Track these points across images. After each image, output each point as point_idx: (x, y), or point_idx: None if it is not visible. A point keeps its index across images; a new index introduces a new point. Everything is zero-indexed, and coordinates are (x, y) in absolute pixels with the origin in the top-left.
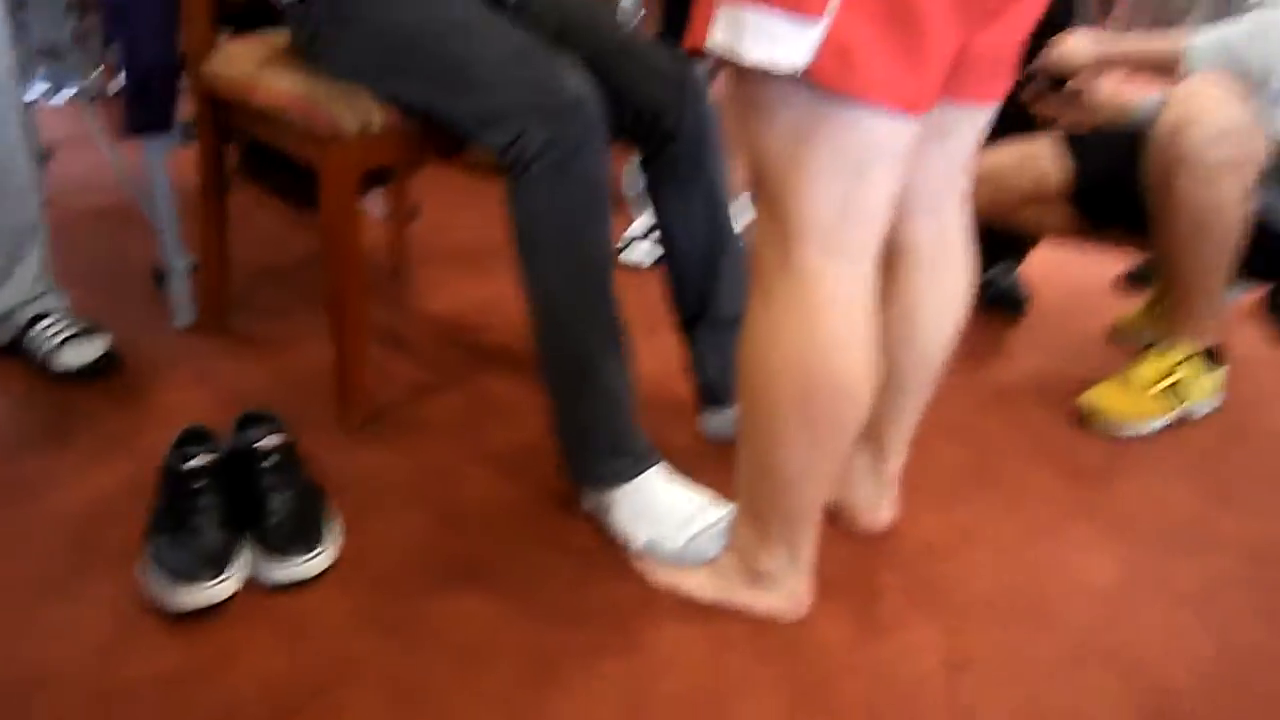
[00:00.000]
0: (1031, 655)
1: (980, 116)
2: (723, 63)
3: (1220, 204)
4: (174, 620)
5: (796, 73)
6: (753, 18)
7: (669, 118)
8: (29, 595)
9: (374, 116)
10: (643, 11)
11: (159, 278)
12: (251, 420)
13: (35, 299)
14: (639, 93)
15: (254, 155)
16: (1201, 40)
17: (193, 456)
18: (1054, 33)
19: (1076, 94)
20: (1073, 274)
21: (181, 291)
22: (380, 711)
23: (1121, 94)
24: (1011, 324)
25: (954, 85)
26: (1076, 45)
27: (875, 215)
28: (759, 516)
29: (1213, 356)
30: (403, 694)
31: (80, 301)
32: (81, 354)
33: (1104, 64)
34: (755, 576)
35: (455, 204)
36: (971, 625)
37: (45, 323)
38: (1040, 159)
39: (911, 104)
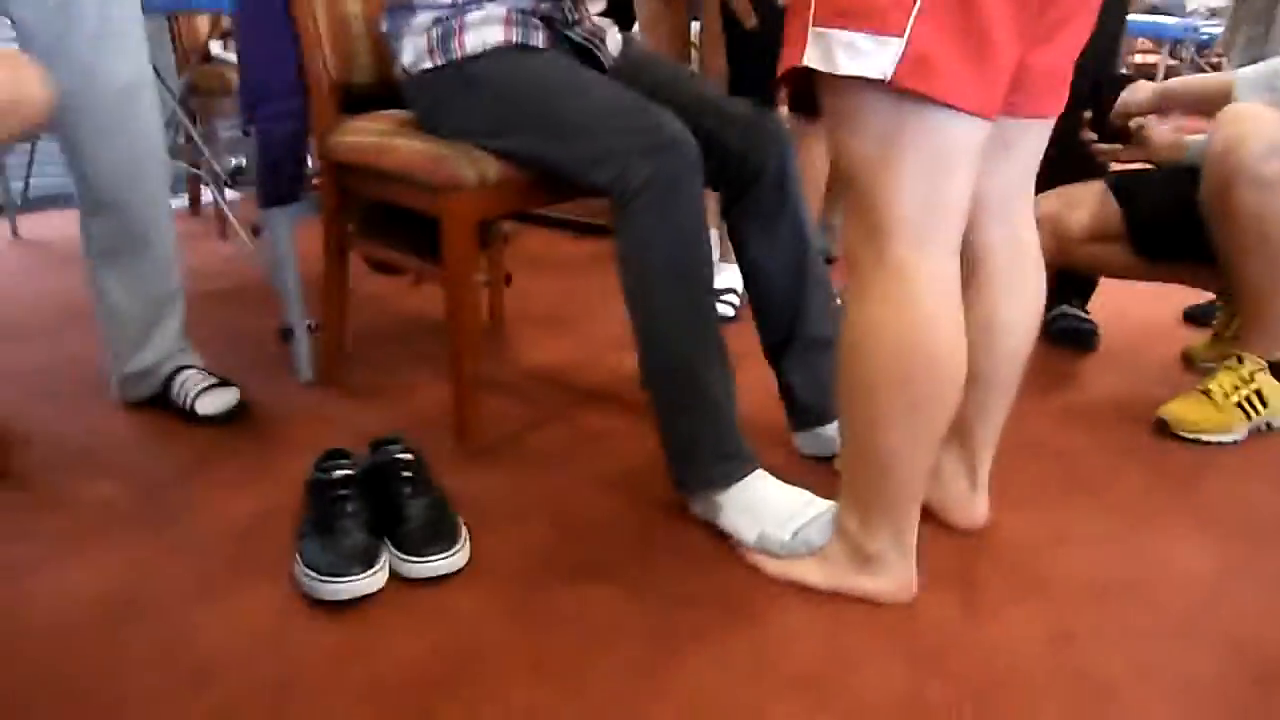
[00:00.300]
0: (1135, 629)
1: (1040, 129)
2: (800, 97)
3: (1278, 213)
4: (328, 612)
5: (884, 80)
6: (841, 36)
7: (754, 159)
8: (194, 598)
9: (489, 169)
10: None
11: (285, 336)
12: (383, 443)
13: (174, 356)
14: (726, 139)
15: (371, 221)
16: (1248, 71)
17: (338, 469)
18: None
19: (1139, 130)
20: (1138, 311)
21: (304, 349)
22: (517, 684)
23: (1178, 133)
24: (1082, 356)
25: (1015, 100)
26: (1137, 89)
27: (956, 209)
28: (863, 502)
29: (1278, 369)
30: (537, 669)
31: (212, 362)
32: (217, 402)
33: (1162, 103)
34: (864, 561)
35: (538, 274)
36: (1072, 607)
37: (184, 375)
38: (1091, 203)
39: (982, 106)
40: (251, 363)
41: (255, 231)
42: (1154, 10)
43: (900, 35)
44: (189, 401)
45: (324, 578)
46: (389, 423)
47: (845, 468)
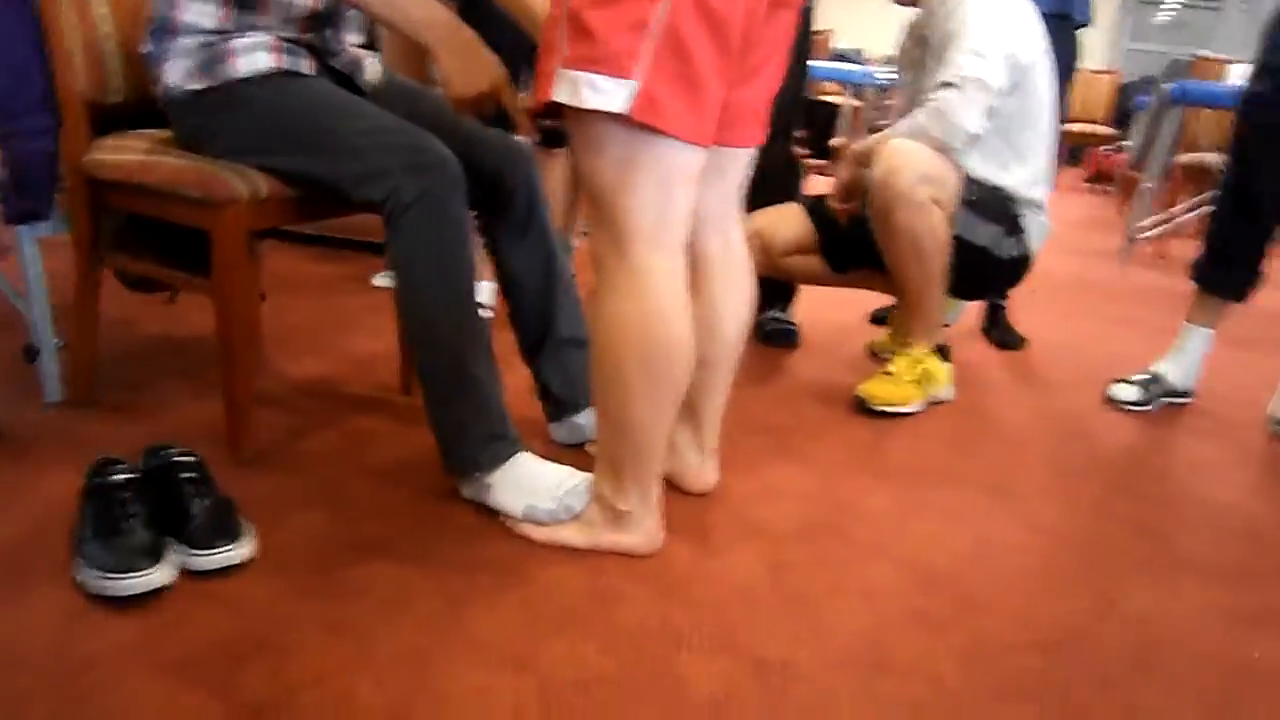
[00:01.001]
0: (833, 557)
1: (744, 155)
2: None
3: (930, 228)
4: (121, 609)
5: (622, 114)
6: (584, 77)
7: (507, 180)
8: None
9: (260, 184)
10: None
11: (30, 355)
12: (159, 449)
13: None
14: (481, 162)
15: (124, 237)
16: (901, 127)
17: (117, 473)
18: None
19: (840, 149)
20: (831, 315)
21: (52, 368)
22: (316, 648)
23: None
24: (788, 353)
25: (724, 133)
26: (841, 163)
27: (682, 219)
28: (615, 466)
29: (943, 353)
30: (335, 635)
31: None
32: None
33: (857, 160)
34: (616, 519)
35: (289, 293)
36: (785, 544)
37: None
38: (792, 222)
39: (699, 137)
40: None
41: (1, 252)
42: (839, 57)
43: (633, 78)
44: None
45: (112, 574)
46: (149, 438)
47: (599, 439)
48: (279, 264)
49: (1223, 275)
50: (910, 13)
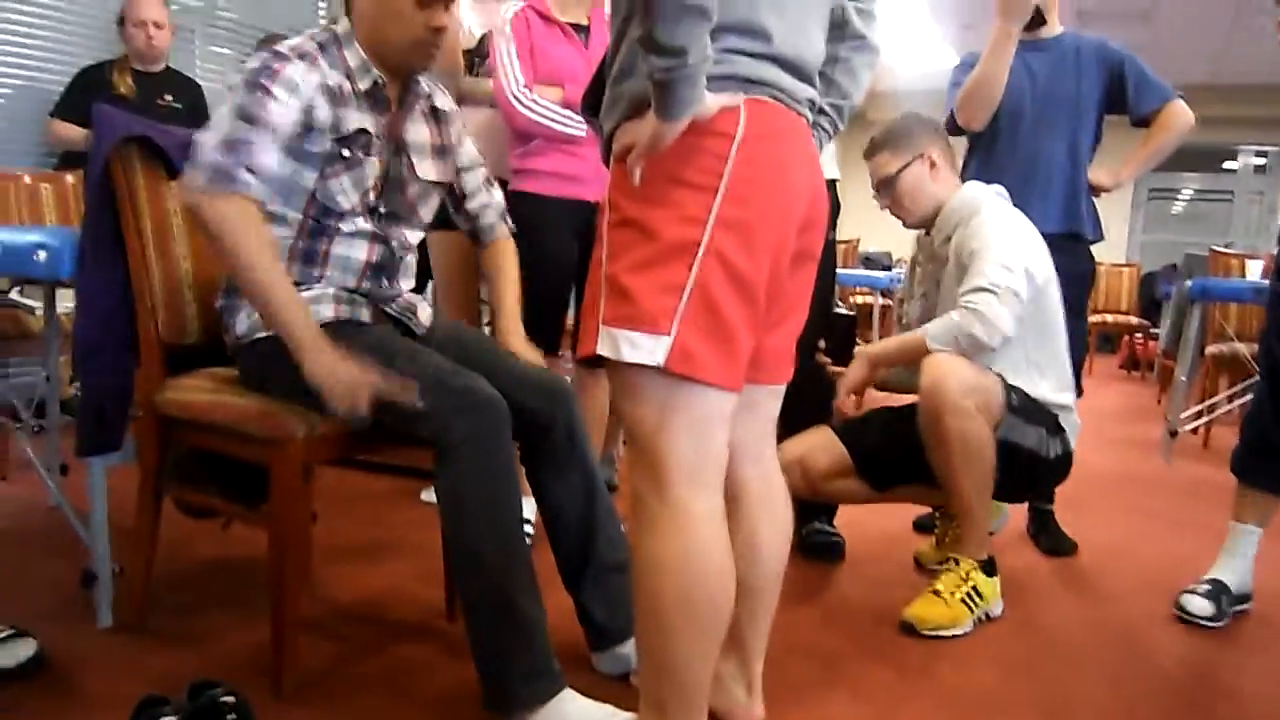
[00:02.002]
0: None
1: (775, 392)
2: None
3: (979, 435)
4: None
5: (658, 366)
6: (623, 334)
7: (546, 415)
8: None
9: (316, 423)
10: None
11: (87, 581)
12: (201, 687)
13: None
14: (523, 398)
15: (184, 467)
16: (932, 328)
17: (160, 716)
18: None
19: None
20: (875, 523)
21: (107, 594)
22: None
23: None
24: (833, 566)
25: (755, 372)
26: (851, 369)
27: (720, 456)
28: (658, 705)
29: (989, 566)
30: None
31: (9, 603)
32: (12, 655)
33: (873, 369)
34: None
35: (340, 511)
36: None
37: None
38: (827, 446)
39: (731, 382)
40: (50, 611)
41: (64, 470)
42: (867, 260)
43: (668, 334)
44: None
45: None
46: (198, 669)
47: (642, 678)
48: (330, 478)
49: (1265, 466)
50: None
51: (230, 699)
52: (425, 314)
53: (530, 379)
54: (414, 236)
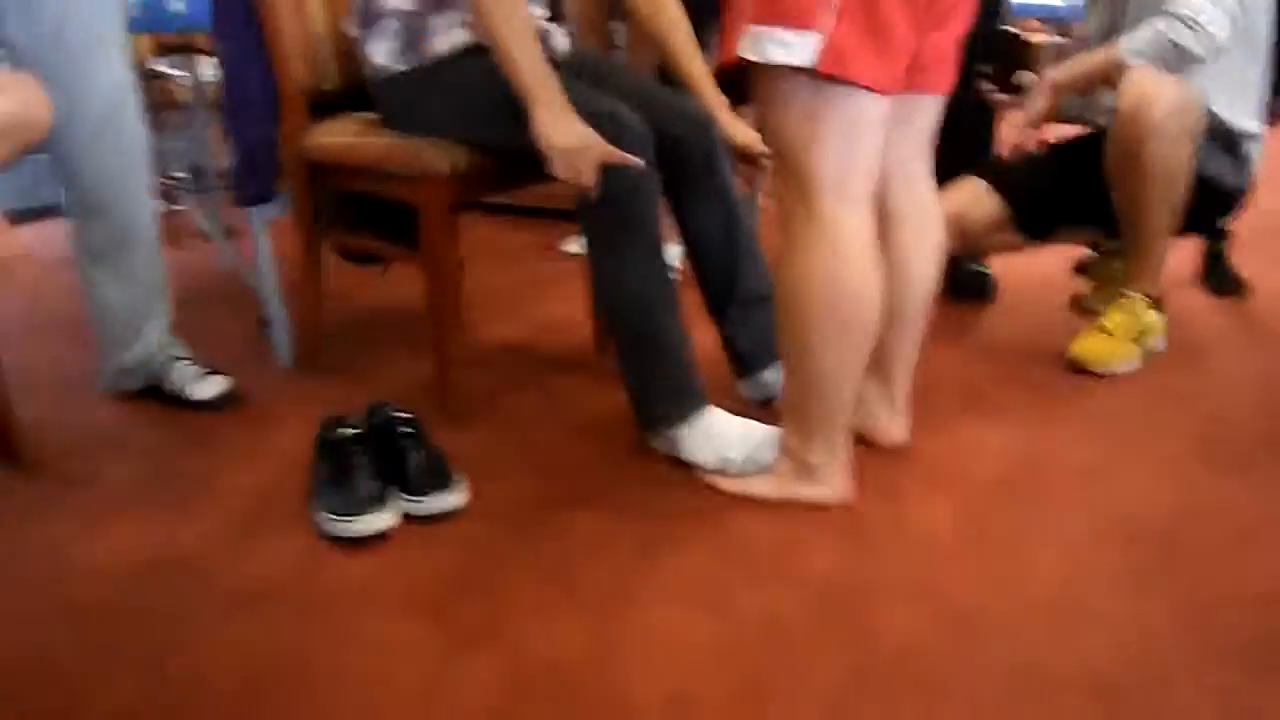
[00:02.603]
0: (1030, 511)
1: (932, 104)
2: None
3: (1182, 163)
4: (352, 549)
5: (808, 67)
6: (770, 32)
7: (687, 142)
8: (227, 549)
9: (461, 158)
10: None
11: (263, 326)
12: (379, 407)
13: (165, 348)
14: (663, 125)
15: (341, 215)
16: (1131, 43)
17: (345, 429)
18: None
19: (1027, 87)
20: (1030, 263)
21: (284, 337)
22: (526, 586)
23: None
24: (984, 307)
25: (913, 79)
26: (1034, 99)
27: (868, 170)
28: (803, 419)
29: (1159, 302)
30: (541, 574)
31: (199, 354)
32: (212, 389)
33: (1057, 97)
34: (805, 472)
35: (486, 262)
36: (979, 499)
37: (178, 365)
38: (983, 200)
39: (886, 86)
40: (234, 356)
41: (229, 234)
42: None
43: (819, 30)
44: (184, 390)
45: (344, 517)
46: (372, 398)
47: (786, 393)
48: (472, 234)
49: None
50: None
51: (405, 414)
52: (560, 41)
53: (672, 105)
54: None
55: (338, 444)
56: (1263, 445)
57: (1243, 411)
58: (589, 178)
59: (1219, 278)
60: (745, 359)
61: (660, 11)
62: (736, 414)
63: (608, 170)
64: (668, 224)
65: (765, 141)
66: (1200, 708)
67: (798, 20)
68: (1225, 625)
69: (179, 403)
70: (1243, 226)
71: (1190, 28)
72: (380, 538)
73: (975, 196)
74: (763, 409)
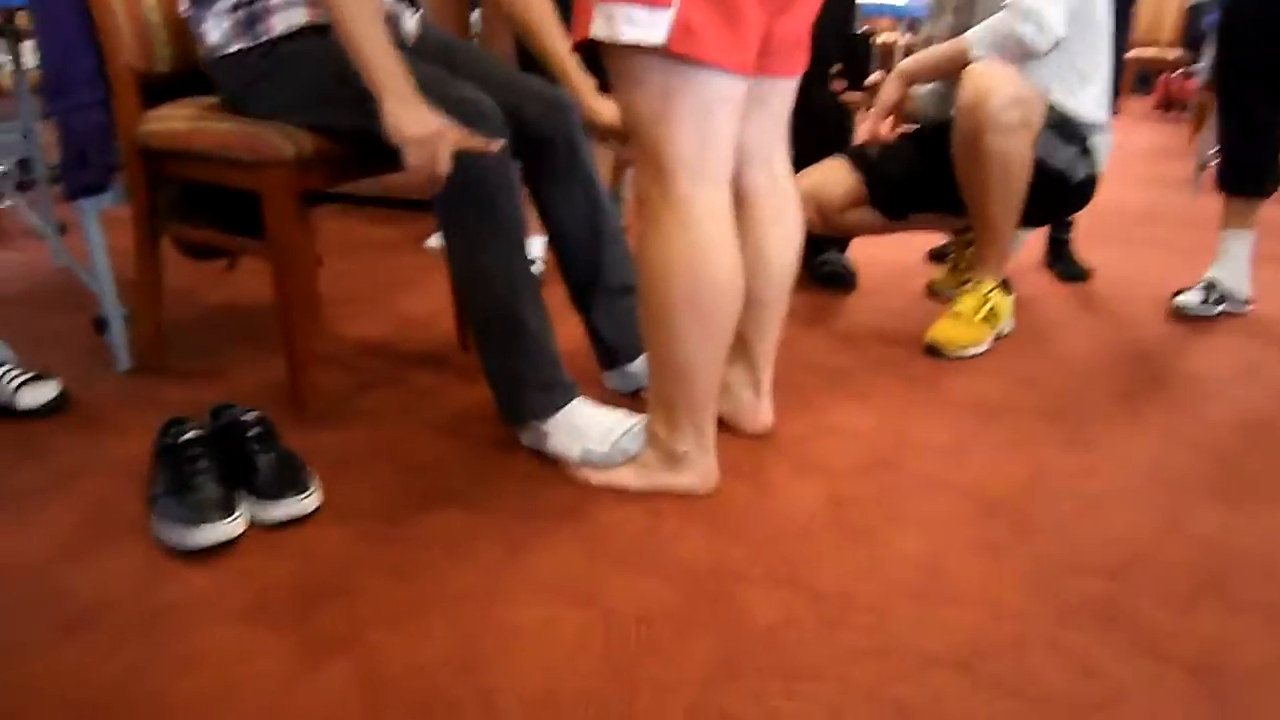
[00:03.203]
0: (892, 491)
1: (787, 86)
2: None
3: (1020, 153)
4: (194, 558)
5: (659, 46)
6: (621, 10)
7: (548, 128)
8: (59, 563)
9: (307, 143)
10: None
11: (100, 327)
12: (223, 408)
13: None
14: (523, 111)
15: (181, 206)
16: (975, 34)
17: (185, 432)
18: (835, 29)
19: (875, 86)
20: (887, 255)
21: (121, 338)
22: (387, 591)
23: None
24: (845, 295)
25: (765, 63)
26: (885, 88)
27: (725, 149)
28: (668, 407)
29: (1006, 286)
30: (403, 577)
31: (27, 357)
32: (39, 395)
33: (908, 84)
34: (672, 460)
35: (344, 257)
36: (842, 480)
37: (1, 372)
38: (840, 175)
39: (739, 65)
40: (66, 357)
41: (62, 229)
42: None
43: (669, 7)
44: (7, 397)
45: (186, 526)
46: (217, 400)
47: (652, 382)
48: (333, 229)
49: (1238, 176)
50: None
51: (253, 413)
52: (411, 23)
53: (530, 89)
54: None
55: (178, 448)
56: (1104, 420)
57: (1086, 389)
58: (443, 166)
59: (1064, 264)
60: (611, 350)
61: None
62: (604, 406)
63: (461, 157)
64: (531, 215)
65: (622, 120)
66: (1052, 670)
67: None
68: (1074, 591)
69: (5, 413)
70: (1085, 214)
71: (1028, 20)
72: (227, 546)
73: (833, 172)
74: (630, 400)
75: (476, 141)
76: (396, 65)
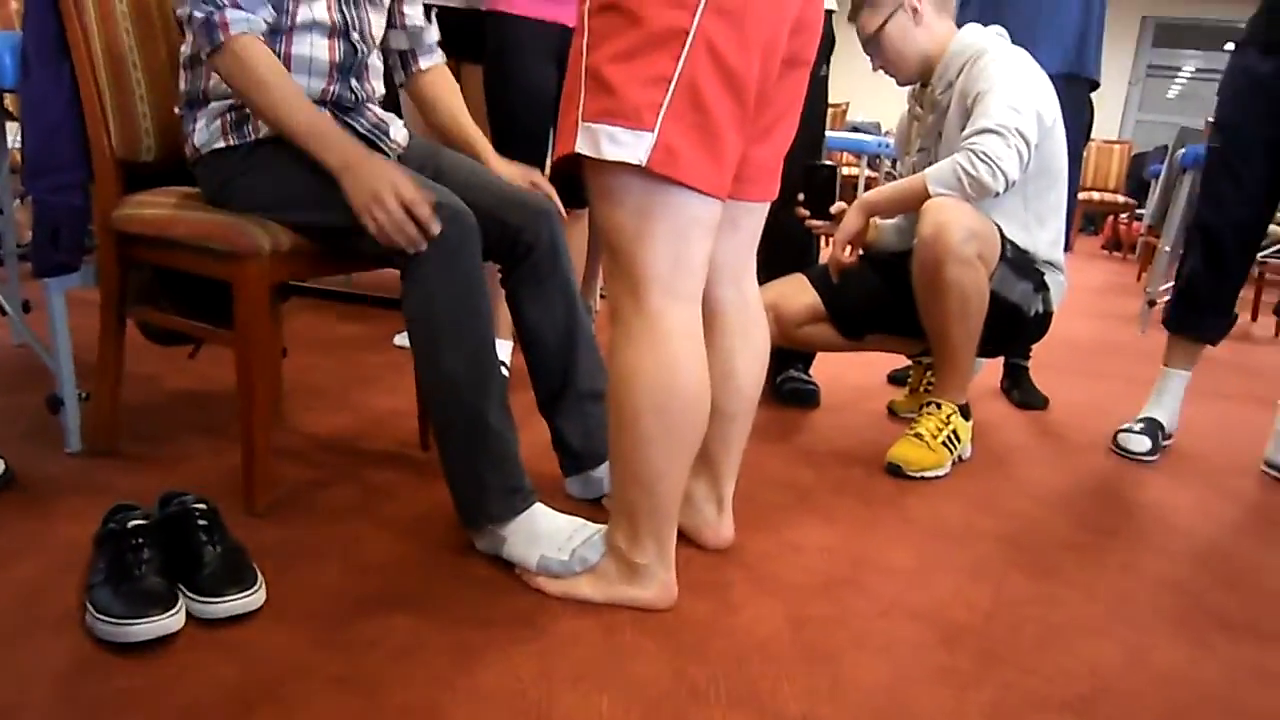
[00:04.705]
0: (854, 611)
1: (759, 211)
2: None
3: (978, 285)
4: (129, 654)
5: (640, 166)
6: (604, 129)
7: (529, 232)
8: None
9: (282, 237)
10: None
11: (53, 406)
12: (172, 496)
13: None
14: (505, 215)
15: (149, 292)
16: (933, 171)
17: (131, 519)
18: (806, 155)
19: (840, 214)
20: (851, 375)
21: (74, 419)
22: (327, 701)
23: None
24: (808, 413)
25: (740, 186)
26: (847, 219)
27: (698, 267)
28: (631, 518)
29: (964, 411)
30: (345, 686)
31: None
32: None
33: (869, 217)
34: (631, 572)
35: (310, 351)
36: (805, 599)
37: None
38: (801, 291)
39: (716, 188)
40: (17, 435)
41: (26, 307)
42: (855, 129)
43: (652, 130)
44: None
45: (121, 620)
46: (170, 487)
47: (615, 490)
48: (302, 324)
49: (1190, 319)
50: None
51: (201, 505)
52: (400, 134)
53: (514, 197)
54: (378, 24)
55: (121, 535)
56: (1066, 548)
57: (1047, 516)
58: (408, 227)
59: (1021, 391)
60: (576, 456)
61: (437, 82)
62: (565, 513)
63: (437, 259)
64: (502, 319)
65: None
66: None
67: (630, 119)
68: None
69: None
70: (1041, 344)
71: (984, 162)
72: (165, 642)
73: (794, 287)
74: (592, 507)
75: (424, 210)
76: (343, 138)
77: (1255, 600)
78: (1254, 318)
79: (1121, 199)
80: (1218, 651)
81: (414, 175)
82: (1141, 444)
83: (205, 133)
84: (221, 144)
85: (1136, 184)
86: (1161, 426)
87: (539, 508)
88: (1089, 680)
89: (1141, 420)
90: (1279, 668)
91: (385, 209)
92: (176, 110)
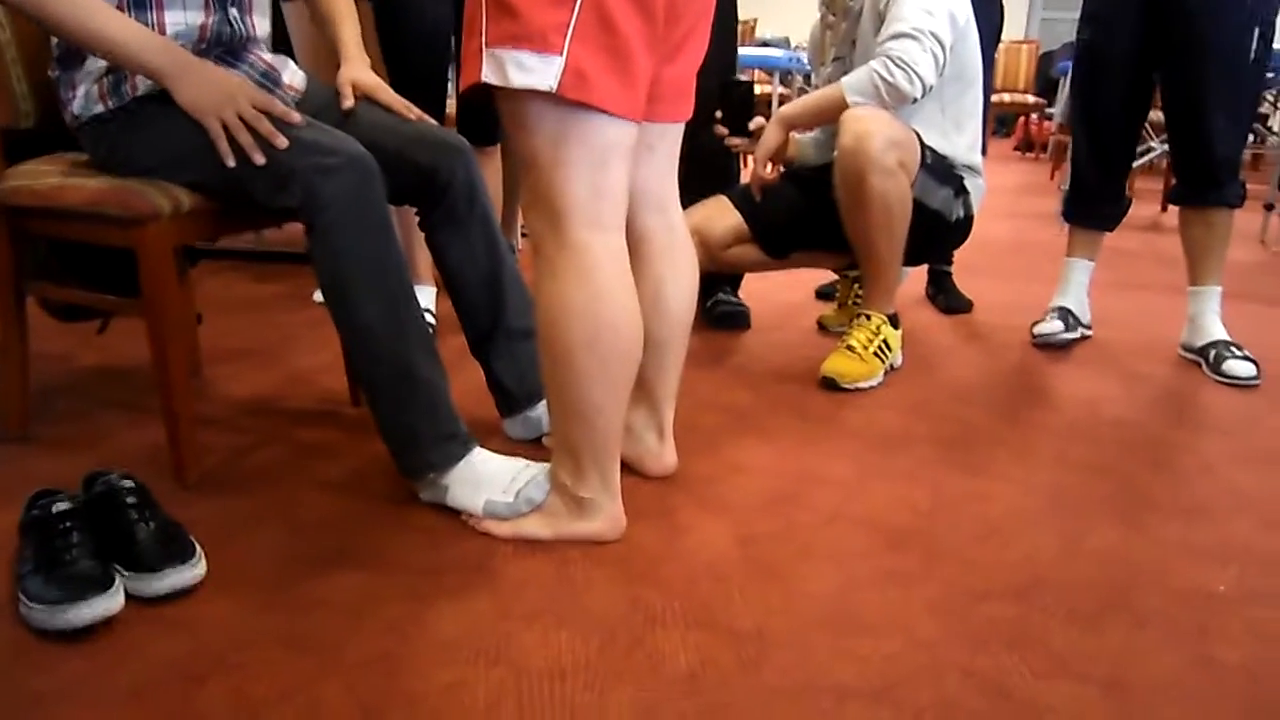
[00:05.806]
0: (798, 525)
1: (675, 131)
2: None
3: (900, 193)
4: (68, 640)
5: (550, 91)
6: (510, 55)
7: (444, 172)
8: None
9: (182, 198)
10: None
11: None
12: (96, 476)
13: None
14: (416, 156)
15: (49, 268)
16: (850, 80)
17: (56, 504)
18: (717, 76)
19: (759, 130)
20: (779, 294)
21: None
22: (279, 663)
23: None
24: (740, 334)
25: (654, 107)
26: (766, 134)
27: (618, 196)
28: (572, 452)
29: (894, 320)
30: (298, 648)
31: None
32: None
33: (789, 131)
34: (578, 507)
35: (226, 314)
36: (751, 518)
37: None
38: (725, 213)
39: (630, 110)
40: None
41: None
42: (764, 44)
43: (559, 53)
44: None
45: (56, 606)
46: (90, 469)
47: (554, 427)
48: (215, 287)
49: (1086, 209)
50: None
51: (128, 482)
52: (295, 77)
53: (424, 136)
54: None
55: (47, 521)
56: (999, 444)
57: (978, 416)
58: (247, 134)
59: (946, 296)
60: (511, 396)
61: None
62: (505, 454)
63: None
64: (424, 263)
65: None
66: (970, 696)
67: (537, 43)
68: (983, 616)
69: None
70: (963, 248)
71: (901, 68)
72: (105, 625)
73: (717, 209)
74: (532, 446)
75: (276, 105)
76: (165, 46)
77: (1180, 479)
78: (1164, 208)
79: (1031, 99)
80: (1149, 531)
81: (305, 120)
82: (1053, 325)
83: (82, 100)
84: (100, 109)
85: (1045, 82)
86: (1071, 312)
87: (479, 452)
88: (1028, 569)
89: (1052, 310)
90: (1205, 542)
91: (234, 111)
92: (51, 73)
